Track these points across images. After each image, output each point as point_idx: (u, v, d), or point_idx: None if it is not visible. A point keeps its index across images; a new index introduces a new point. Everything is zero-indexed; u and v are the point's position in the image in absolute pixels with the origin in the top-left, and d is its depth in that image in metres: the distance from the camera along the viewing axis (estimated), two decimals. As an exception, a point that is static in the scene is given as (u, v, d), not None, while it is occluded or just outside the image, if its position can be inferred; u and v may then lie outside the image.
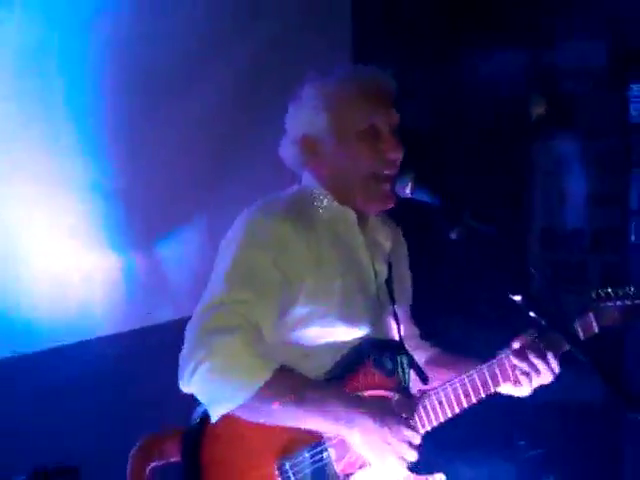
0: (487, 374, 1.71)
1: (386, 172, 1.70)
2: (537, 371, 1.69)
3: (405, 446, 1.58)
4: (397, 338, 1.78)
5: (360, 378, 1.67)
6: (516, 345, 1.72)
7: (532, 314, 1.41)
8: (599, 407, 2.46)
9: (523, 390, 1.75)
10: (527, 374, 1.70)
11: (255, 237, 1.63)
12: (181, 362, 1.56)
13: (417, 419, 1.68)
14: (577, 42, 3.91)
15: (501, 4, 3.92)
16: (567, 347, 1.67)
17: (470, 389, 1.70)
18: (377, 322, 1.73)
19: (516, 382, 1.72)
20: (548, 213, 4.14)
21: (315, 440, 1.63)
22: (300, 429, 1.59)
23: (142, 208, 2.67)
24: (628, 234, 3.69)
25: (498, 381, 1.72)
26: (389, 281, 1.80)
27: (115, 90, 2.55)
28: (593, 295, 1.73)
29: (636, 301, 1.74)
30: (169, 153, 2.72)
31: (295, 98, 1.79)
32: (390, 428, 1.57)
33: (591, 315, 1.71)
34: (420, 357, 1.89)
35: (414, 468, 1.65)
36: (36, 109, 2.38)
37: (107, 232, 2.57)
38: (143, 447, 1.85)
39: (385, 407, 1.63)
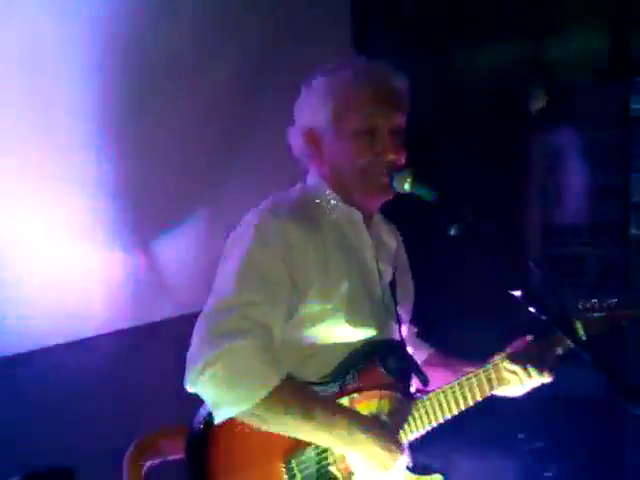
0: (484, 377, 1.74)
1: (382, 171, 1.71)
2: (530, 374, 1.72)
3: (397, 470, 1.64)
4: (399, 339, 1.78)
5: (365, 378, 1.68)
6: (513, 348, 1.76)
7: (532, 309, 1.41)
8: (600, 399, 2.46)
9: (517, 391, 1.78)
10: (522, 376, 1.72)
11: (264, 238, 1.62)
12: (188, 362, 1.55)
13: (414, 423, 1.71)
14: (577, 33, 3.90)
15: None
16: (565, 347, 1.70)
17: (468, 392, 1.73)
18: (382, 323, 1.74)
19: (511, 384, 1.75)
20: (547, 207, 4.14)
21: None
22: None
23: (142, 205, 2.67)
24: (628, 227, 3.70)
25: (493, 385, 1.75)
26: (393, 282, 1.81)
27: (118, 87, 2.55)
28: (580, 307, 1.76)
29: (618, 312, 1.78)
30: (170, 151, 2.72)
31: (305, 88, 1.80)
32: (390, 453, 1.61)
33: (578, 324, 1.73)
34: (419, 357, 1.91)
35: (413, 469, 1.69)
36: (38, 106, 2.37)
37: (107, 230, 2.57)
38: (138, 446, 1.87)
39: (386, 430, 1.65)
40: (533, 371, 1.71)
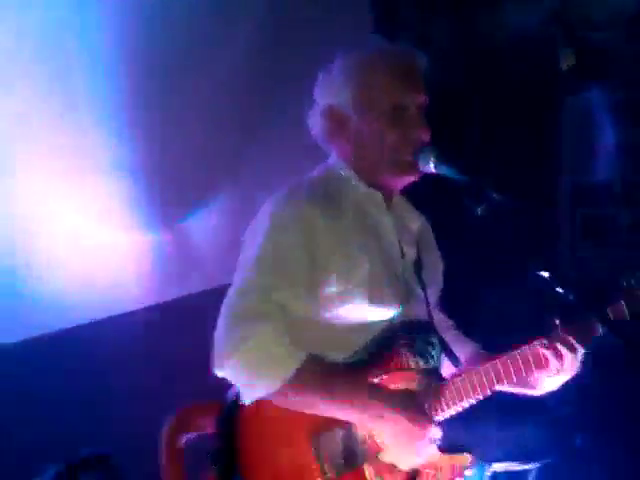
0: (520, 357, 1.70)
1: (410, 150, 1.70)
2: (569, 355, 1.66)
3: (428, 442, 1.62)
4: (427, 320, 1.77)
5: (392, 359, 1.68)
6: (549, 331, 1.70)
7: (560, 290, 1.39)
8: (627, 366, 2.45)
9: (551, 381, 1.73)
10: (562, 357, 1.66)
11: (282, 222, 1.64)
12: (215, 347, 1.59)
13: (445, 402, 1.69)
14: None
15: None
16: (597, 332, 1.65)
17: (502, 372, 1.69)
18: (406, 303, 1.73)
19: (549, 367, 1.69)
20: (579, 167, 4.06)
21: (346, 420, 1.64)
22: None
23: (167, 186, 2.68)
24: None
25: (530, 366, 1.70)
26: (418, 263, 1.80)
27: (142, 72, 2.54)
28: (624, 282, 1.68)
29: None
30: (193, 132, 2.72)
31: (326, 68, 1.78)
32: (416, 425, 1.60)
33: (622, 302, 1.66)
34: (464, 351, 1.88)
35: (441, 447, 1.67)
36: (57, 89, 2.39)
37: (135, 210, 2.60)
38: (178, 418, 1.90)
39: (411, 403, 1.64)
40: (570, 351, 1.64)
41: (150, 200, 2.64)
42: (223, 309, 1.62)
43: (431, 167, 1.66)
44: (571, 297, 1.38)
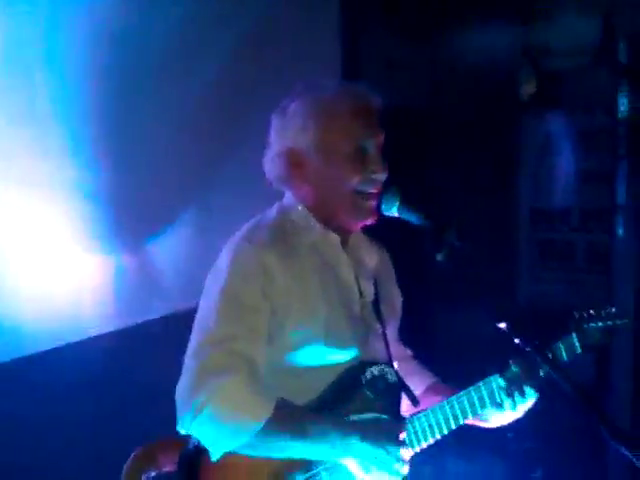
0: (475, 395, 1.74)
1: (370, 191, 1.71)
2: (522, 395, 1.72)
3: (400, 464, 1.63)
4: (386, 358, 1.79)
5: (353, 401, 1.70)
6: (504, 369, 1.75)
7: (517, 341, 1.43)
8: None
9: (506, 416, 1.78)
10: (516, 397, 1.72)
11: (243, 269, 1.64)
12: (180, 404, 1.58)
13: (407, 440, 1.71)
14: (568, 19, 3.86)
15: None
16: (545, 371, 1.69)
17: (459, 410, 1.74)
18: (365, 343, 1.75)
19: (500, 405, 1.75)
20: (537, 192, 4.15)
21: (308, 464, 1.66)
22: None
23: (129, 207, 2.65)
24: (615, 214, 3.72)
25: (485, 403, 1.75)
26: (376, 301, 1.81)
27: (101, 89, 2.51)
28: (576, 316, 1.76)
29: (617, 322, 1.77)
30: (156, 152, 2.70)
31: (281, 111, 1.78)
32: (385, 448, 1.61)
33: (574, 336, 1.74)
34: (421, 384, 1.91)
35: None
36: (20, 108, 2.35)
37: (94, 232, 2.56)
38: (138, 457, 1.89)
39: (378, 429, 1.66)
40: (526, 392, 1.71)
41: (112, 222, 2.61)
42: (189, 360, 1.61)
43: (394, 212, 1.69)
44: (527, 349, 1.41)
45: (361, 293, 1.79)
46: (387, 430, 1.67)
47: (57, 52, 2.42)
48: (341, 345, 1.69)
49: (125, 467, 1.88)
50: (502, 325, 1.43)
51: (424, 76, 3.84)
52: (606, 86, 3.65)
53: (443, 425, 1.73)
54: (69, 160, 2.47)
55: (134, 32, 2.60)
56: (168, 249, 2.81)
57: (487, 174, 4.08)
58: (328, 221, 1.76)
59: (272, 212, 1.81)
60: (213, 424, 1.54)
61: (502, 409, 1.75)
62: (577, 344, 1.73)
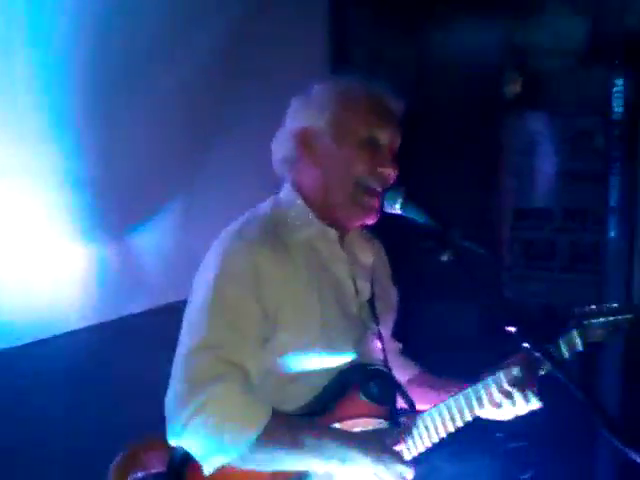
0: (473, 396, 1.70)
1: (375, 187, 1.66)
2: (523, 397, 1.69)
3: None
4: (382, 359, 1.75)
5: (348, 406, 1.65)
6: (504, 368, 1.72)
7: (526, 345, 1.40)
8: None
9: (505, 414, 1.74)
10: (516, 398, 1.69)
11: (230, 270, 1.58)
12: (169, 414, 1.52)
13: (405, 446, 1.68)
14: (554, 18, 3.87)
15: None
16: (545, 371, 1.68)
17: (457, 413, 1.70)
18: (361, 344, 1.70)
19: (499, 406, 1.71)
20: (520, 192, 4.15)
21: (299, 474, 1.61)
22: None
23: (112, 197, 2.58)
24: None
25: (483, 404, 1.71)
26: (372, 299, 1.77)
27: (84, 76, 2.44)
28: (576, 312, 1.73)
29: (619, 317, 1.74)
30: (141, 141, 2.63)
31: (305, 94, 1.75)
32: (385, 464, 1.57)
33: (574, 332, 1.71)
34: (404, 376, 1.88)
35: None
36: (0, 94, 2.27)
37: (77, 222, 2.48)
38: (126, 457, 1.84)
39: (378, 442, 1.62)
40: (528, 393, 1.68)
41: (94, 212, 2.53)
42: (176, 367, 1.55)
43: (397, 209, 1.65)
44: (537, 354, 1.39)
45: (357, 292, 1.75)
46: (386, 444, 1.63)
47: (39, 37, 2.33)
48: (337, 347, 1.65)
49: (111, 468, 1.83)
50: (511, 329, 1.40)
51: (410, 74, 3.83)
52: (592, 87, 3.66)
53: (441, 429, 1.70)
54: (50, 147, 2.39)
55: (119, 20, 2.53)
56: (152, 241, 2.74)
57: (471, 174, 4.07)
58: (326, 215, 1.71)
59: (266, 207, 1.75)
60: (205, 434, 1.48)
61: (503, 408, 1.72)
62: (578, 341, 1.70)
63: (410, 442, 1.68)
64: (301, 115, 1.73)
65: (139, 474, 1.81)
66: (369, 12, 3.74)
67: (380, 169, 1.67)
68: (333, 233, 1.72)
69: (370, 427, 1.68)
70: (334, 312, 1.67)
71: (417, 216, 1.62)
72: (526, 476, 2.47)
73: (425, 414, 1.71)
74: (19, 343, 2.29)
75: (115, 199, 2.60)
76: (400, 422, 1.72)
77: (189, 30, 2.80)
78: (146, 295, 2.71)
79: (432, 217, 1.60)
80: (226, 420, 1.48)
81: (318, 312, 1.63)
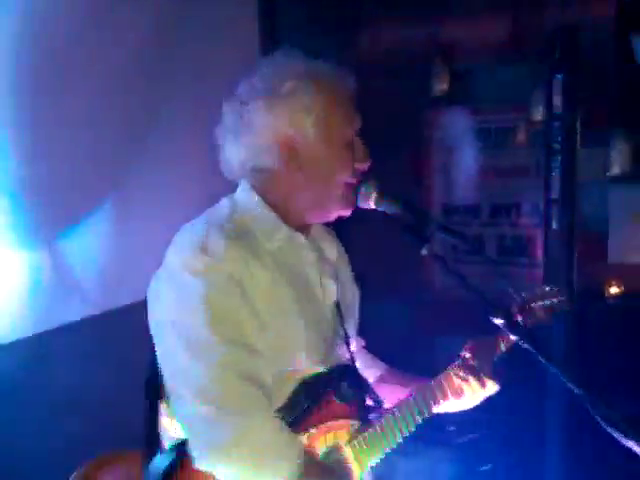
0: (436, 387, 1.72)
1: (354, 181, 1.60)
2: (481, 380, 1.72)
3: None
4: (350, 359, 1.70)
5: (320, 411, 1.60)
6: (463, 355, 1.75)
7: (514, 337, 1.39)
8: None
9: (470, 402, 1.76)
10: (474, 383, 1.72)
11: (213, 283, 1.44)
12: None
13: (376, 445, 1.65)
14: (479, 15, 3.94)
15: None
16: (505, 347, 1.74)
17: (423, 404, 1.71)
18: (331, 347, 1.65)
19: (465, 392, 1.73)
20: (448, 188, 4.22)
21: None
22: None
23: (42, 200, 2.42)
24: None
25: (447, 394, 1.73)
26: (338, 300, 1.71)
27: (10, 75, 2.27)
28: (517, 298, 1.77)
29: (559, 298, 1.82)
30: (72, 140, 2.47)
31: (272, 90, 1.55)
32: None
33: (519, 317, 1.75)
34: (371, 374, 1.84)
35: None
36: None
37: (4, 227, 2.31)
38: (84, 476, 1.71)
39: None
40: (483, 377, 1.70)
41: (24, 216, 2.37)
42: (187, 388, 1.43)
43: (371, 204, 1.60)
44: (525, 345, 1.37)
45: (325, 295, 1.67)
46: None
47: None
48: (311, 350, 1.58)
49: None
50: (499, 321, 1.39)
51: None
52: (517, 83, 3.76)
53: (410, 422, 1.69)
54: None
55: (44, 15, 2.37)
56: (86, 246, 2.59)
57: (399, 170, 4.09)
58: (295, 219, 1.61)
59: (223, 211, 1.59)
60: (246, 464, 1.42)
61: (466, 395, 1.74)
62: (521, 323, 1.73)
63: (380, 436, 1.65)
64: (277, 118, 1.54)
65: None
66: (299, 8, 3.69)
67: (357, 164, 1.60)
68: (300, 237, 1.62)
69: (343, 430, 1.63)
70: (306, 317, 1.58)
71: (391, 210, 1.57)
72: (485, 468, 2.49)
73: (393, 409, 1.69)
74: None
75: (44, 203, 2.44)
76: (370, 421, 1.69)
77: (118, 26, 2.67)
78: (81, 303, 2.56)
79: (407, 210, 1.56)
80: (266, 453, 1.43)
81: (290, 318, 1.54)
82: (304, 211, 1.62)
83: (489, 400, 1.77)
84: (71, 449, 1.87)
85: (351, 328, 1.79)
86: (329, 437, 1.60)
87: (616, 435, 1.25)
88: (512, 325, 1.40)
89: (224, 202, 1.61)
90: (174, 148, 2.87)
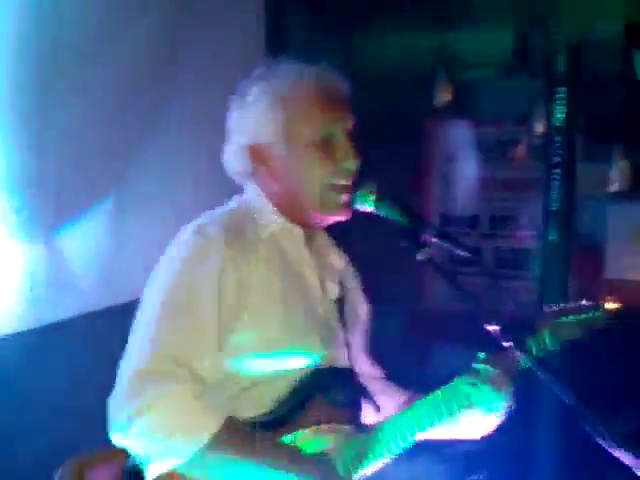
0: (442, 399, 1.63)
1: (342, 182, 1.60)
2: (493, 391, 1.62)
3: None
4: (348, 363, 1.68)
5: (310, 412, 1.58)
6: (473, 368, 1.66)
7: (508, 344, 1.38)
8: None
9: (477, 424, 1.68)
10: (485, 394, 1.64)
11: (191, 264, 1.50)
12: (113, 409, 1.41)
13: (370, 452, 1.60)
14: (484, 28, 3.96)
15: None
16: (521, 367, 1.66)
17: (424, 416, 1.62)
18: (327, 347, 1.62)
19: (472, 408, 1.63)
20: (446, 198, 4.23)
21: None
22: None
23: (40, 195, 2.41)
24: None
25: (451, 409, 1.63)
26: (340, 302, 1.70)
27: (12, 72, 2.27)
28: (547, 311, 1.72)
29: (590, 315, 1.74)
30: (72, 136, 2.46)
31: (240, 97, 1.63)
32: None
33: (545, 332, 1.68)
34: (370, 384, 1.78)
35: None
36: None
37: (3, 222, 2.31)
38: (68, 474, 1.70)
39: (340, 469, 1.56)
40: (495, 385, 1.61)
41: (21, 209, 2.35)
42: (126, 362, 1.45)
43: (369, 207, 1.59)
44: (519, 353, 1.37)
45: (324, 293, 1.68)
46: (348, 470, 1.56)
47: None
48: (302, 350, 1.58)
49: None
50: (494, 327, 1.38)
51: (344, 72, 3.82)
52: (521, 96, 3.77)
53: (409, 432, 1.62)
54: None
55: (48, 12, 2.38)
56: (84, 242, 2.58)
57: (399, 179, 4.10)
58: (294, 216, 1.64)
59: (229, 206, 1.67)
60: (150, 436, 1.39)
61: (471, 408, 1.64)
62: (548, 340, 1.67)
63: (377, 445, 1.61)
64: (245, 126, 1.61)
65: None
66: (304, 14, 3.70)
67: (342, 165, 1.59)
68: (298, 231, 1.65)
69: (335, 433, 1.61)
70: (299, 313, 1.59)
71: (390, 214, 1.57)
72: (478, 477, 2.47)
73: (392, 419, 1.64)
74: None
75: (42, 198, 2.43)
76: (365, 427, 1.67)
77: (122, 25, 2.67)
78: (76, 300, 2.54)
79: (406, 215, 1.56)
80: (175, 422, 1.39)
81: (280, 310, 1.55)
82: (301, 211, 1.63)
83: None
84: (65, 445, 1.83)
85: (356, 339, 1.77)
86: (319, 440, 1.58)
87: (605, 445, 1.24)
88: (505, 331, 1.39)
89: (233, 199, 1.69)
90: (175, 147, 2.87)
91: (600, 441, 1.26)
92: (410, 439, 1.63)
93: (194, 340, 1.46)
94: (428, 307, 3.97)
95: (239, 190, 1.72)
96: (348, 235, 1.80)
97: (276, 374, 1.55)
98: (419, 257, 1.50)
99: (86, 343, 2.48)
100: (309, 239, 1.68)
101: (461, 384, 1.64)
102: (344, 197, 1.60)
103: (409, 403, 1.71)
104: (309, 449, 1.57)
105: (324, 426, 1.59)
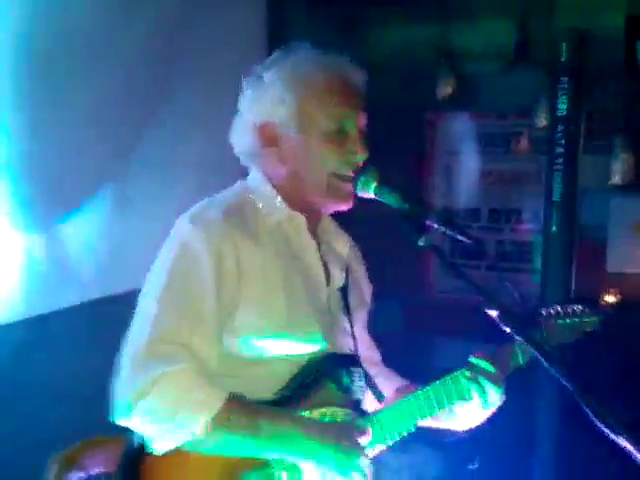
0: (442, 389, 1.65)
1: (348, 173, 1.60)
2: (491, 386, 1.64)
3: (359, 472, 1.53)
4: (352, 349, 1.68)
5: (316, 395, 1.58)
6: (474, 359, 1.66)
7: (507, 330, 1.37)
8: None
9: (476, 412, 1.68)
10: (484, 387, 1.64)
11: (191, 252, 1.49)
12: (118, 392, 1.41)
13: (370, 442, 1.60)
14: (484, 23, 3.95)
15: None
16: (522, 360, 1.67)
17: (425, 405, 1.64)
18: (331, 333, 1.63)
19: (472, 399, 1.65)
20: (448, 191, 4.21)
21: (265, 462, 1.52)
22: None
23: (40, 182, 2.41)
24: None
25: (452, 399, 1.65)
26: (345, 289, 1.70)
27: (14, 61, 2.27)
28: (543, 313, 1.72)
29: (585, 319, 1.75)
30: (72, 125, 2.47)
31: (256, 79, 1.62)
32: (346, 456, 1.51)
33: (542, 333, 1.68)
34: (386, 387, 1.77)
35: None
36: None
37: (3, 210, 2.30)
38: (63, 459, 1.72)
39: (341, 433, 1.55)
40: (494, 382, 1.62)
41: (21, 198, 2.36)
42: (126, 351, 1.44)
43: (371, 193, 1.59)
44: (518, 337, 1.36)
45: (329, 280, 1.67)
46: (348, 435, 1.56)
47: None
48: (303, 335, 1.58)
49: (49, 471, 1.69)
50: (493, 313, 1.37)
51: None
52: (523, 88, 3.75)
53: (408, 420, 1.64)
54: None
55: (55, 11, 2.38)
56: (84, 231, 2.57)
57: (400, 172, 4.08)
58: (297, 202, 1.63)
59: (232, 191, 1.66)
60: (156, 413, 1.39)
61: (470, 401, 1.65)
62: (543, 342, 1.67)
63: (377, 434, 1.61)
64: (258, 106, 1.60)
65: (77, 475, 1.68)
66: (304, 8, 3.69)
67: (351, 157, 1.59)
68: (301, 219, 1.65)
69: (338, 417, 1.61)
70: (302, 300, 1.59)
71: (391, 200, 1.56)
72: (473, 466, 2.46)
73: (393, 406, 1.65)
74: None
75: (42, 187, 2.43)
76: (367, 413, 1.66)
77: (126, 17, 2.67)
78: (75, 289, 2.54)
79: (407, 201, 1.55)
80: (180, 399, 1.39)
81: (283, 299, 1.55)
82: (304, 197, 1.63)
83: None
84: (64, 434, 1.85)
85: (359, 323, 1.77)
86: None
87: (605, 430, 1.23)
88: (506, 317, 1.38)
89: (237, 184, 1.68)
90: (177, 139, 2.87)
91: (601, 427, 1.25)
92: (408, 427, 1.64)
93: (195, 323, 1.46)
94: (428, 297, 3.96)
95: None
96: (347, 222, 1.79)
97: (277, 358, 1.56)
98: (420, 243, 1.49)
99: (86, 332, 2.48)
100: (313, 226, 1.68)
101: (462, 377, 1.66)
102: (347, 186, 1.60)
103: (405, 390, 1.72)
104: None
105: (327, 409, 1.60)
